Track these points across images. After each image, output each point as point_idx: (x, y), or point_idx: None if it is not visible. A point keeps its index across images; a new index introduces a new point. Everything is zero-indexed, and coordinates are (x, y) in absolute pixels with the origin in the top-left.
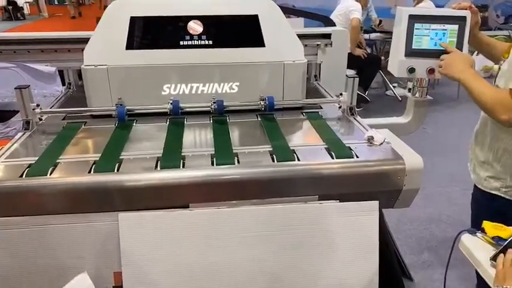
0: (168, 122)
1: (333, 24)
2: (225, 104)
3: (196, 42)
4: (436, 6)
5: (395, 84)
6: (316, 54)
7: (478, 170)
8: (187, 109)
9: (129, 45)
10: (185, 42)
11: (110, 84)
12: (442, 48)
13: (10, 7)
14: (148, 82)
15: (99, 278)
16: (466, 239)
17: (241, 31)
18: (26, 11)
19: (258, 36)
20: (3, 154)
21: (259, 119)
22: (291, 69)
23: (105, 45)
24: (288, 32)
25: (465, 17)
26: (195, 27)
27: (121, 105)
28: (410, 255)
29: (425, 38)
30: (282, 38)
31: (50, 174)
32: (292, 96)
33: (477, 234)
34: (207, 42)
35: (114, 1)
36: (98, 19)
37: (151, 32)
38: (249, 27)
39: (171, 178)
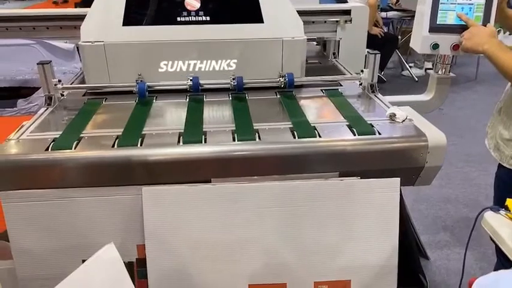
0: (187, 99)
1: (344, 0)
2: (244, 81)
3: (193, 19)
4: None
5: (412, 65)
6: (335, 31)
7: (502, 148)
8: (207, 86)
9: (126, 22)
10: (182, 19)
11: (106, 61)
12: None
13: None
14: (145, 58)
15: (123, 250)
16: (490, 216)
17: (239, 7)
18: None
19: (256, 12)
20: (27, 129)
21: (278, 96)
22: (290, 46)
23: (102, 22)
24: (287, 8)
25: None
26: (193, 3)
27: (141, 81)
28: (427, 234)
29: (451, 13)
30: (281, 14)
31: (75, 148)
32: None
33: (501, 211)
34: (204, 18)
35: None
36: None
37: (148, 8)
38: (247, 3)
39: (193, 153)
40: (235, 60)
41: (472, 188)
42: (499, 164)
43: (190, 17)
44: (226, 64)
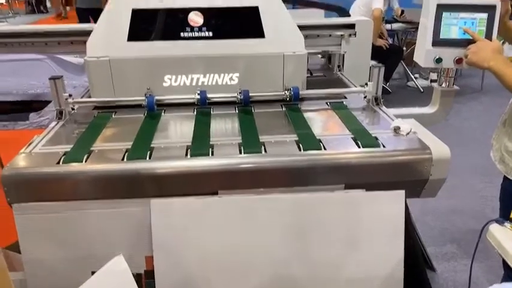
0: (195, 112)
1: (347, 13)
2: (250, 94)
3: (197, 34)
4: None
5: (417, 75)
6: (340, 45)
7: (507, 161)
8: (214, 99)
9: (131, 37)
10: (186, 34)
11: (112, 75)
12: (470, 38)
13: (33, 0)
14: (149, 73)
15: (131, 262)
16: (495, 229)
17: (241, 22)
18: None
19: (258, 27)
20: (39, 142)
21: (283, 108)
22: (291, 61)
23: (108, 37)
24: (288, 23)
25: (495, 5)
26: (196, 18)
27: (150, 95)
28: (433, 246)
29: (454, 27)
30: (283, 29)
31: (85, 162)
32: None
33: (506, 224)
34: (207, 33)
35: None
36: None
37: (152, 24)
38: (249, 19)
39: (201, 166)
40: (238, 74)
41: (478, 199)
42: (504, 176)
43: (193, 33)
44: (229, 78)
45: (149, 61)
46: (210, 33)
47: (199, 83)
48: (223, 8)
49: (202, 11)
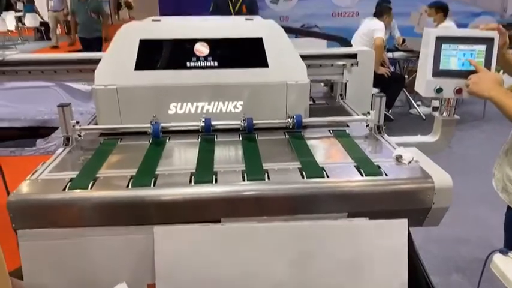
0: (199, 139)
1: (348, 43)
2: (254, 122)
3: (202, 64)
4: (458, 26)
5: (419, 103)
6: (342, 74)
7: (510, 189)
8: (218, 126)
9: (138, 66)
10: (192, 64)
11: (119, 103)
12: (470, 69)
13: (42, 28)
14: (155, 101)
15: None
16: (498, 259)
17: (246, 53)
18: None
19: (262, 57)
20: (45, 168)
21: (287, 136)
22: (293, 90)
23: (115, 66)
24: (291, 53)
25: (493, 38)
26: (202, 49)
27: (156, 122)
28: (438, 275)
29: (453, 58)
30: (286, 59)
31: (91, 188)
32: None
33: (509, 254)
34: (212, 63)
35: (125, 24)
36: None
37: (159, 54)
38: (253, 49)
39: (204, 193)
40: (242, 102)
41: (483, 228)
42: (508, 205)
43: (199, 62)
44: (233, 106)
45: (155, 89)
46: (216, 63)
47: (204, 111)
48: (228, 39)
49: (209, 41)
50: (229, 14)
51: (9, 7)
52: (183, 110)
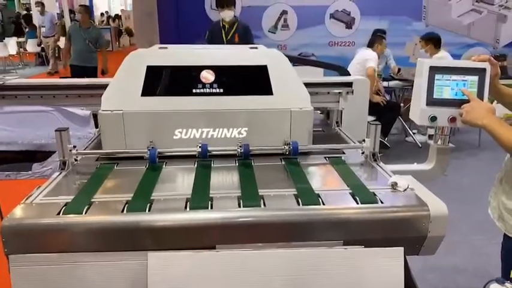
0: (195, 164)
1: (346, 72)
2: (250, 148)
3: (208, 90)
4: (452, 57)
5: (415, 131)
6: (338, 102)
7: (506, 219)
8: (215, 152)
9: (145, 92)
10: (198, 90)
11: (124, 128)
12: (463, 98)
13: (43, 53)
14: (161, 127)
15: None
16: None
17: (250, 80)
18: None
19: (266, 85)
20: (41, 193)
21: (283, 162)
22: (297, 116)
23: (122, 92)
24: (295, 81)
25: (485, 68)
26: (208, 76)
27: (153, 148)
28: None
29: (446, 88)
30: (290, 86)
31: (85, 213)
32: (299, 141)
33: (506, 284)
34: (218, 90)
35: (133, 51)
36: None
37: (166, 80)
38: (258, 77)
39: (199, 219)
40: (246, 129)
41: (480, 257)
42: (505, 234)
43: (205, 89)
44: (238, 132)
45: (161, 115)
46: (221, 90)
47: (209, 136)
48: (233, 67)
49: (214, 69)
50: (222, 42)
51: (19, 32)
52: (187, 136)
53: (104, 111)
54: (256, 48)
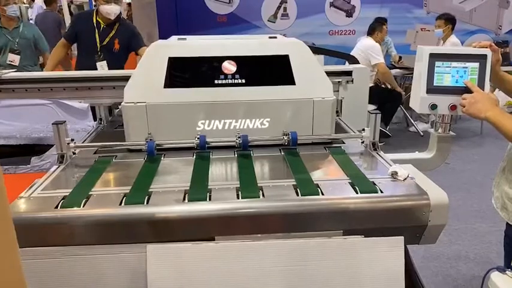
0: (194, 156)
1: (356, 61)
2: (249, 138)
3: (230, 81)
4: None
5: (417, 120)
6: (338, 91)
7: (510, 208)
8: (213, 143)
9: (167, 84)
10: (219, 81)
11: (147, 121)
12: (463, 85)
13: None
14: (183, 118)
15: None
16: (496, 277)
17: (272, 70)
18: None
19: (288, 75)
20: (39, 186)
21: (282, 153)
22: (320, 106)
23: (144, 84)
24: (317, 70)
25: (486, 55)
26: (229, 67)
27: (150, 140)
28: None
29: (446, 75)
30: (312, 76)
31: (83, 206)
32: (322, 131)
33: (507, 272)
34: (240, 81)
35: (154, 42)
36: None
37: (188, 72)
38: (280, 67)
39: (198, 211)
40: (269, 119)
41: (482, 245)
42: (507, 223)
43: (227, 80)
44: (260, 123)
45: (184, 107)
46: (243, 81)
47: (231, 127)
48: (255, 57)
49: (236, 59)
50: (92, 47)
51: None
52: (210, 127)
53: (127, 104)
54: (275, 37)
